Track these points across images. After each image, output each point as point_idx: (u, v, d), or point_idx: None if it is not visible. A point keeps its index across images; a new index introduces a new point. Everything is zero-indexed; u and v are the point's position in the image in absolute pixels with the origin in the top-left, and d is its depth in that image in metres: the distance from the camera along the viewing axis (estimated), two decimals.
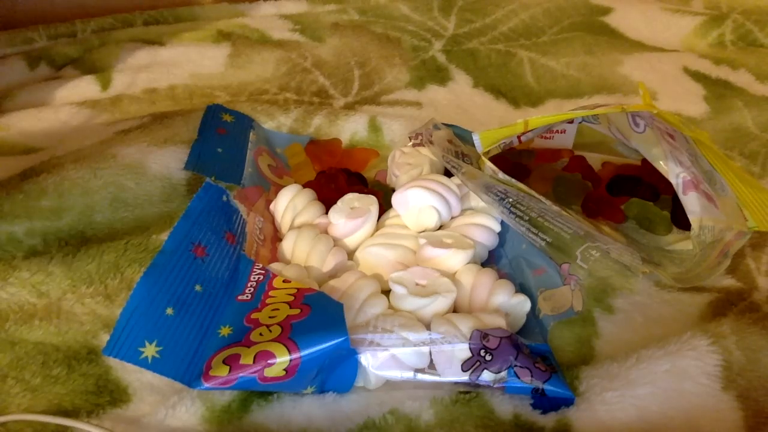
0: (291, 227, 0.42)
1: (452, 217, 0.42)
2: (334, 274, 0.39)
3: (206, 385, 0.31)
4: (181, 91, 0.62)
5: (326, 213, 0.43)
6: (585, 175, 0.48)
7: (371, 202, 0.42)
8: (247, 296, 0.35)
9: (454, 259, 0.39)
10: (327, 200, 0.43)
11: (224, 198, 0.40)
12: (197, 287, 0.34)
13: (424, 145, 0.48)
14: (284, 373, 0.31)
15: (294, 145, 0.53)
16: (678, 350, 0.34)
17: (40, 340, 0.37)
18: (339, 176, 0.45)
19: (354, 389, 0.34)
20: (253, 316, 0.33)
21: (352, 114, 0.56)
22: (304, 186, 0.45)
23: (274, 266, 0.39)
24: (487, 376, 0.33)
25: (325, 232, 0.42)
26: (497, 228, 0.41)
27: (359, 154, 0.53)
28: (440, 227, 0.42)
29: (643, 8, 0.75)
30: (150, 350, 0.31)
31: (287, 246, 0.40)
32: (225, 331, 0.33)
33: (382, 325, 0.34)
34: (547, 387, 0.33)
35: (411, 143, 0.49)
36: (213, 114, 0.52)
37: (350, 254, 0.41)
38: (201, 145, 0.48)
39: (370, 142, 0.55)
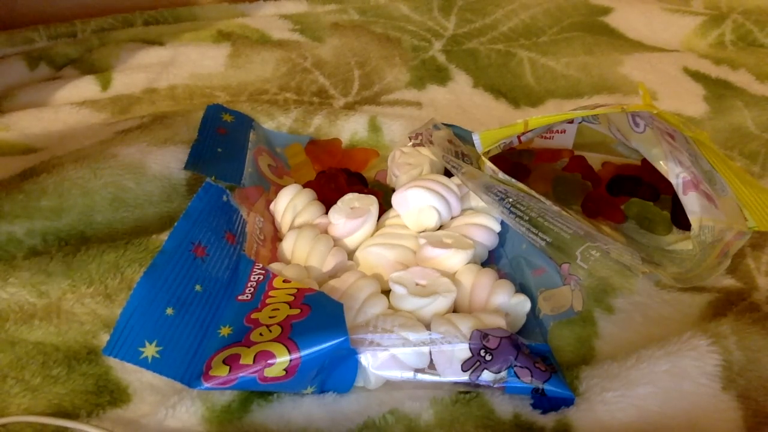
0: (291, 227, 0.42)
1: (452, 217, 0.42)
2: (334, 274, 0.39)
3: (206, 385, 0.31)
4: (181, 91, 0.62)
5: (326, 213, 0.43)
6: (585, 175, 0.48)
7: (371, 202, 0.42)
8: (247, 296, 0.35)
9: (454, 259, 0.39)
10: (327, 200, 0.43)
11: (224, 198, 0.40)
12: (197, 287, 0.34)
13: (424, 145, 0.48)
14: (284, 373, 0.31)
15: (294, 145, 0.53)
16: (678, 350, 0.34)
17: (40, 340, 0.37)
18: (339, 176, 0.45)
19: (354, 389, 0.34)
20: (253, 316, 0.33)
21: (352, 114, 0.56)
22: (304, 186, 0.45)
23: (274, 266, 0.39)
24: (487, 376, 0.33)
25: (325, 232, 0.42)
26: (497, 228, 0.41)
27: (359, 154, 0.53)
28: (440, 227, 0.42)
29: (643, 8, 0.75)
30: (150, 350, 0.31)
31: (287, 246, 0.40)
32: (225, 331, 0.33)
33: (382, 325, 0.34)
34: (547, 387, 0.33)
35: (411, 143, 0.49)
36: (213, 114, 0.52)
37: (350, 254, 0.41)
38: (201, 145, 0.48)
39: (370, 142, 0.55)
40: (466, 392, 0.34)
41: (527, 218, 0.38)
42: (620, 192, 0.46)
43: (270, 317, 0.33)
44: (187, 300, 0.34)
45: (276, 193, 0.45)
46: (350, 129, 0.55)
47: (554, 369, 0.34)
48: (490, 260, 0.42)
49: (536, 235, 0.38)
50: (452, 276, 0.38)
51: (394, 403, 0.34)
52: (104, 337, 0.37)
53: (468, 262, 0.39)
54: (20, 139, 0.55)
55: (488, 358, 0.33)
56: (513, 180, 0.40)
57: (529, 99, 0.62)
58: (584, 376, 0.35)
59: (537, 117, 0.39)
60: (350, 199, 0.42)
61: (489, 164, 0.41)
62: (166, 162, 0.48)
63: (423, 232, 0.41)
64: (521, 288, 0.39)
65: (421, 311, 0.36)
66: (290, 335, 0.31)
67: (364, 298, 0.35)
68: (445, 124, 0.50)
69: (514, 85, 0.64)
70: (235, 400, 0.34)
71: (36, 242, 0.43)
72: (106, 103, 0.59)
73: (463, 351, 0.33)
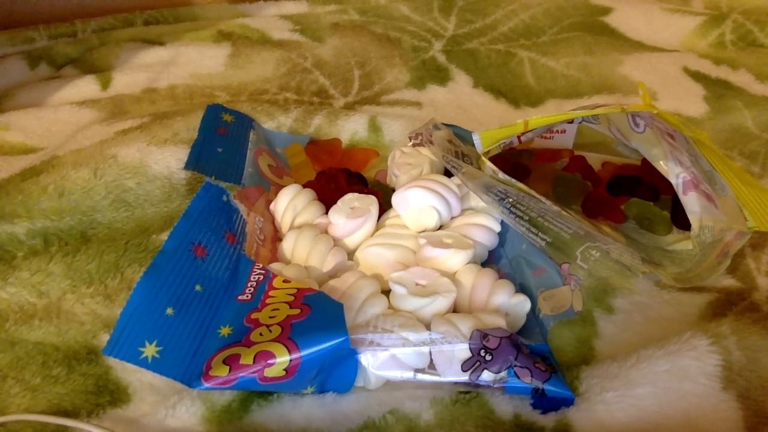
0: (291, 227, 0.42)
1: (452, 217, 0.42)
2: (334, 274, 0.39)
3: (206, 385, 0.31)
4: (181, 91, 0.62)
5: (326, 213, 0.43)
6: (585, 175, 0.48)
7: (371, 202, 0.42)
8: (247, 296, 0.35)
9: (454, 259, 0.39)
10: (327, 200, 0.43)
11: (224, 198, 0.40)
12: (197, 287, 0.34)
13: (424, 145, 0.48)
14: (284, 373, 0.31)
15: (294, 145, 0.53)
16: (678, 350, 0.34)
17: (40, 340, 0.37)
18: (339, 176, 0.45)
19: (354, 389, 0.34)
20: (253, 316, 0.33)
21: (352, 114, 0.56)
22: (304, 186, 0.45)
23: (274, 266, 0.39)
24: (487, 376, 0.33)
25: (325, 232, 0.42)
26: (497, 228, 0.41)
27: (359, 154, 0.53)
28: (440, 227, 0.42)
29: (643, 8, 0.75)
30: (150, 350, 0.31)
31: (287, 246, 0.40)
32: (225, 331, 0.33)
33: (382, 325, 0.34)
34: (547, 387, 0.33)
35: (411, 143, 0.49)
36: (213, 114, 0.52)
37: (350, 254, 0.41)
38: (201, 144, 0.48)
39: (370, 142, 0.55)
40: (466, 392, 0.34)
41: (527, 218, 0.38)
42: (620, 192, 0.46)
43: (270, 317, 0.33)
44: (187, 300, 0.34)
45: (276, 193, 0.45)
46: (350, 129, 0.55)
47: (554, 369, 0.34)
48: (490, 260, 0.42)
49: (536, 235, 0.38)
50: (452, 276, 0.38)
51: (394, 403, 0.34)
52: (104, 337, 0.37)
53: (468, 262, 0.39)
54: (20, 139, 0.55)
55: (488, 358, 0.33)
56: (513, 180, 0.40)
57: (529, 99, 0.62)
58: (584, 376, 0.35)
59: (537, 117, 0.39)
60: (350, 199, 0.42)
61: (489, 164, 0.41)
62: (166, 162, 0.48)
63: (423, 232, 0.41)
64: (521, 288, 0.39)
65: (421, 311, 0.36)
66: (290, 335, 0.31)
67: (364, 298, 0.35)
68: (445, 124, 0.50)
69: (514, 85, 0.64)
70: (235, 400, 0.34)
71: (36, 242, 0.43)
72: (106, 103, 0.59)
73: (463, 351, 0.33)
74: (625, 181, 0.46)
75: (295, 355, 0.31)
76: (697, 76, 0.64)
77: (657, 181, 0.44)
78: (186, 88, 0.62)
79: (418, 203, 0.41)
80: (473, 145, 0.41)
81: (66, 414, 0.33)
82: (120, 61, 0.67)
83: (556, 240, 0.37)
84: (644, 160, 0.45)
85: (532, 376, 0.33)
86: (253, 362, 0.30)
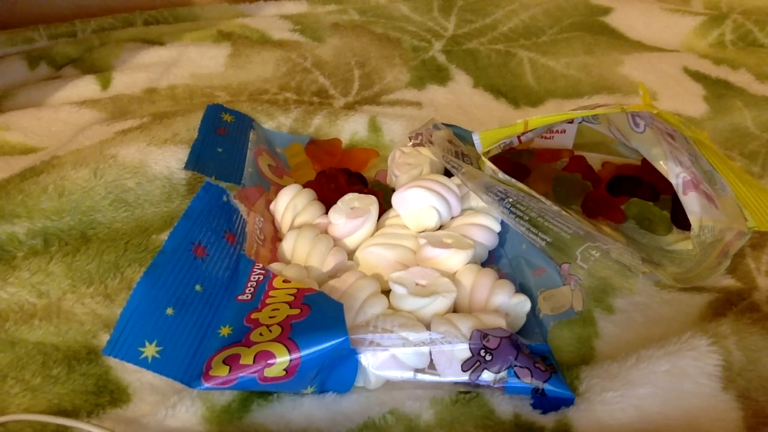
0: (291, 227, 0.42)
1: (452, 217, 0.42)
2: (334, 274, 0.39)
3: (206, 385, 0.31)
4: (181, 91, 0.62)
5: (326, 213, 0.43)
6: (585, 175, 0.48)
7: (371, 202, 0.42)
8: (247, 296, 0.35)
9: (454, 259, 0.39)
10: (327, 200, 0.44)
11: (224, 198, 0.40)
12: (197, 287, 0.34)
13: (424, 145, 0.48)
14: (284, 373, 0.31)
15: (294, 145, 0.53)
16: (678, 350, 0.34)
17: (40, 340, 0.37)
18: (339, 176, 0.45)
19: (354, 389, 0.34)
20: (253, 316, 0.33)
21: (352, 114, 0.56)
22: (304, 186, 0.45)
23: (274, 266, 0.39)
24: (487, 376, 0.33)
25: (325, 232, 0.42)
26: (497, 228, 0.41)
27: (359, 154, 0.53)
28: (440, 227, 0.42)
29: (643, 8, 0.75)
30: (150, 350, 0.31)
31: (287, 246, 0.40)
32: (225, 331, 0.33)
33: (382, 325, 0.34)
34: (547, 387, 0.33)
35: (411, 143, 0.49)
36: (213, 114, 0.52)
37: (350, 254, 0.41)
38: (201, 144, 0.48)
39: (370, 142, 0.55)
40: (466, 392, 0.34)
41: (527, 218, 0.38)
42: (620, 192, 0.46)
43: (270, 317, 0.33)
44: (187, 300, 0.34)
45: (276, 193, 0.45)
46: (350, 129, 0.55)
47: (554, 369, 0.34)
48: (490, 260, 0.42)
49: (536, 235, 0.38)
50: (452, 276, 0.38)
51: (394, 403, 0.34)
52: (104, 337, 0.37)
53: (468, 262, 0.39)
54: (20, 139, 0.55)
55: (488, 358, 0.33)
56: (513, 180, 0.40)
57: (529, 99, 0.62)
58: (584, 376, 0.35)
59: (537, 117, 0.39)
60: (350, 199, 0.42)
61: (489, 164, 0.41)
62: (167, 162, 0.48)
63: (423, 232, 0.41)
64: (521, 288, 0.39)
65: (421, 311, 0.36)
66: (290, 335, 0.31)
67: (364, 298, 0.35)
68: (445, 124, 0.50)
69: (514, 85, 0.64)
70: (235, 400, 0.34)
71: (36, 242, 0.43)
72: (106, 103, 0.59)
73: (463, 351, 0.33)
74: (625, 181, 0.46)
75: (295, 355, 0.31)
76: (697, 76, 0.64)
77: (657, 181, 0.44)
78: (186, 88, 0.62)
79: (418, 203, 0.41)
80: (473, 145, 0.41)
81: (66, 414, 0.33)
82: (120, 61, 0.67)
83: (556, 240, 0.37)
84: (644, 160, 0.45)
85: (532, 376, 0.33)
86: (253, 362, 0.31)
